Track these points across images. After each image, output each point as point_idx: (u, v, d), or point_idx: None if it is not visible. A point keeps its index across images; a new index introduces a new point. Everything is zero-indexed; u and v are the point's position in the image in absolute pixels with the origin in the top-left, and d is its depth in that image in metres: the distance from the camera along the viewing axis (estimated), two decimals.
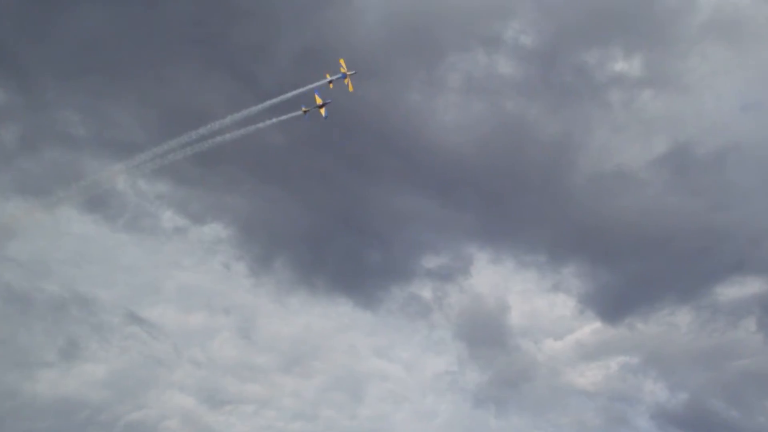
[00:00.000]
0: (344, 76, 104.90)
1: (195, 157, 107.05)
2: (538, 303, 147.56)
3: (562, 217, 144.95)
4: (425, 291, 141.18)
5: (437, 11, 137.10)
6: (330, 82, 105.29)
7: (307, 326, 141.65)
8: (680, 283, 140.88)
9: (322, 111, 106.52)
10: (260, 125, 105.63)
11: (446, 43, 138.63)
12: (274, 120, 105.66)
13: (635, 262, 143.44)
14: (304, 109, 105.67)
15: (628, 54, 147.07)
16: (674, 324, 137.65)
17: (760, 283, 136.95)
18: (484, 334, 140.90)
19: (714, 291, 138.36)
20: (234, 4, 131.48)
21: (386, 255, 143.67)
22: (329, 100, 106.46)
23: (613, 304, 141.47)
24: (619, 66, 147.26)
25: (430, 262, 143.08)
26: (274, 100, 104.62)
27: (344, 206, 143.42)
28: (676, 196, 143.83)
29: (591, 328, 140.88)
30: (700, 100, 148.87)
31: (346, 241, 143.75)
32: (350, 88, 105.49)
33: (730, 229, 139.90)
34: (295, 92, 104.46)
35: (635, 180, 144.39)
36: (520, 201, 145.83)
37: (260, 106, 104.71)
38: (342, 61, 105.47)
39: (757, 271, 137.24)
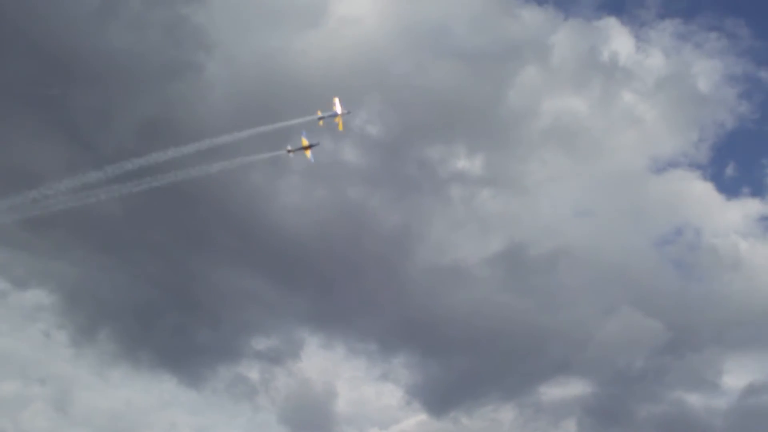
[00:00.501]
0: (336, 114, 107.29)
1: (23, 220, 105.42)
2: (365, 391, 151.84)
3: (396, 307, 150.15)
4: (253, 372, 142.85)
5: (286, 93, 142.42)
6: (321, 119, 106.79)
7: (128, 401, 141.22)
8: (506, 380, 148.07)
9: (308, 153, 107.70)
10: (242, 160, 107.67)
11: (292, 125, 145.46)
12: (255, 157, 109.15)
13: (464, 357, 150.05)
14: (289, 149, 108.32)
15: (470, 153, 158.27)
16: (498, 420, 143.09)
17: (583, 385, 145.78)
18: (310, 419, 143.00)
19: (538, 390, 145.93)
20: (77, 67, 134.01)
21: (216, 333, 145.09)
22: (317, 143, 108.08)
23: (439, 396, 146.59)
24: (461, 164, 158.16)
25: (260, 343, 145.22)
26: (266, 128, 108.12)
27: (177, 281, 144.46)
28: (508, 295, 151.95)
29: (416, 420, 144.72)
30: (537, 203, 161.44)
31: (176, 316, 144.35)
32: (340, 127, 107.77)
33: (557, 330, 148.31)
34: (282, 124, 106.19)
35: (470, 276, 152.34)
36: (356, 288, 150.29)
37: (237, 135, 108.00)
38: (336, 100, 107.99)
39: (580, 373, 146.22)
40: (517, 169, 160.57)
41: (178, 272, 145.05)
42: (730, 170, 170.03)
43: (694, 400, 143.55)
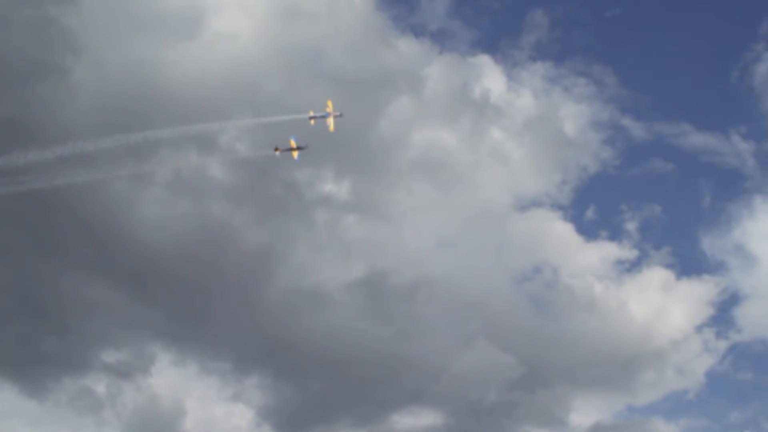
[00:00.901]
0: (327, 115, 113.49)
1: None
2: (215, 411, 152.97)
3: (254, 327, 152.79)
4: (100, 386, 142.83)
5: (155, 103, 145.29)
6: (312, 118, 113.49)
7: None
8: (359, 407, 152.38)
9: (295, 154, 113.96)
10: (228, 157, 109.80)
11: (159, 137, 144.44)
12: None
13: (318, 381, 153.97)
14: (276, 149, 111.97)
15: (338, 177, 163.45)
16: None
17: (435, 415, 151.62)
18: None
19: (390, 418, 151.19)
20: None
21: (63, 343, 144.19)
22: (306, 146, 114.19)
23: (291, 420, 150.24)
24: (329, 188, 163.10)
25: (110, 356, 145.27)
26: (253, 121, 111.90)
27: (25, 287, 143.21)
28: (367, 322, 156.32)
29: None
30: (401, 232, 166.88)
31: (21, 323, 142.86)
32: (331, 128, 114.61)
33: (413, 359, 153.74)
34: (272, 119, 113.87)
35: (330, 301, 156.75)
36: (213, 305, 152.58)
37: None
38: (329, 102, 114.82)
39: (433, 403, 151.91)
40: (383, 197, 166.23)
41: (26, 277, 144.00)
42: (590, 213, 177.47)
43: None
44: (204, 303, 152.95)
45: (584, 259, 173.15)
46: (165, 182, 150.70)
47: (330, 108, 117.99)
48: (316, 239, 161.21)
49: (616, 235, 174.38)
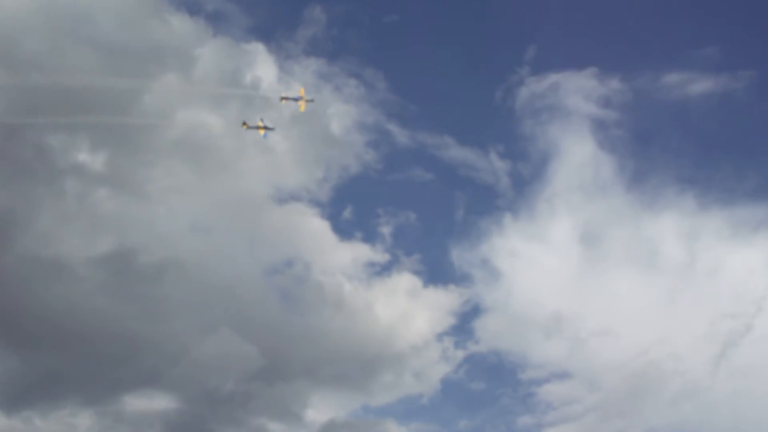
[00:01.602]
0: (299, 98, 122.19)
1: None
2: None
3: None
4: None
5: None
6: (283, 98, 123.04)
7: None
8: (90, 386, 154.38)
9: (261, 132, 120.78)
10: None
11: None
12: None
13: (50, 356, 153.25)
14: (244, 124, 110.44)
15: (94, 148, 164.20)
16: (73, 425, 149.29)
17: (169, 399, 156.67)
18: None
19: (122, 399, 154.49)
20: None
21: None
22: (273, 127, 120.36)
23: (14, 395, 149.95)
24: (83, 157, 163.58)
25: None
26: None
27: None
28: (109, 299, 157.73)
29: None
30: (155, 211, 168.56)
31: None
32: (302, 109, 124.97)
33: (153, 341, 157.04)
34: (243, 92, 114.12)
35: (71, 274, 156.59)
36: None
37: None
38: (302, 89, 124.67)
39: (168, 387, 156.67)
40: (140, 174, 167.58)
41: None
42: (347, 213, 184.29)
43: (276, 428, 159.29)
44: None
45: (337, 258, 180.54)
46: None
47: (302, 93, 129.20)
48: (63, 209, 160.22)
49: (370, 237, 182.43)
